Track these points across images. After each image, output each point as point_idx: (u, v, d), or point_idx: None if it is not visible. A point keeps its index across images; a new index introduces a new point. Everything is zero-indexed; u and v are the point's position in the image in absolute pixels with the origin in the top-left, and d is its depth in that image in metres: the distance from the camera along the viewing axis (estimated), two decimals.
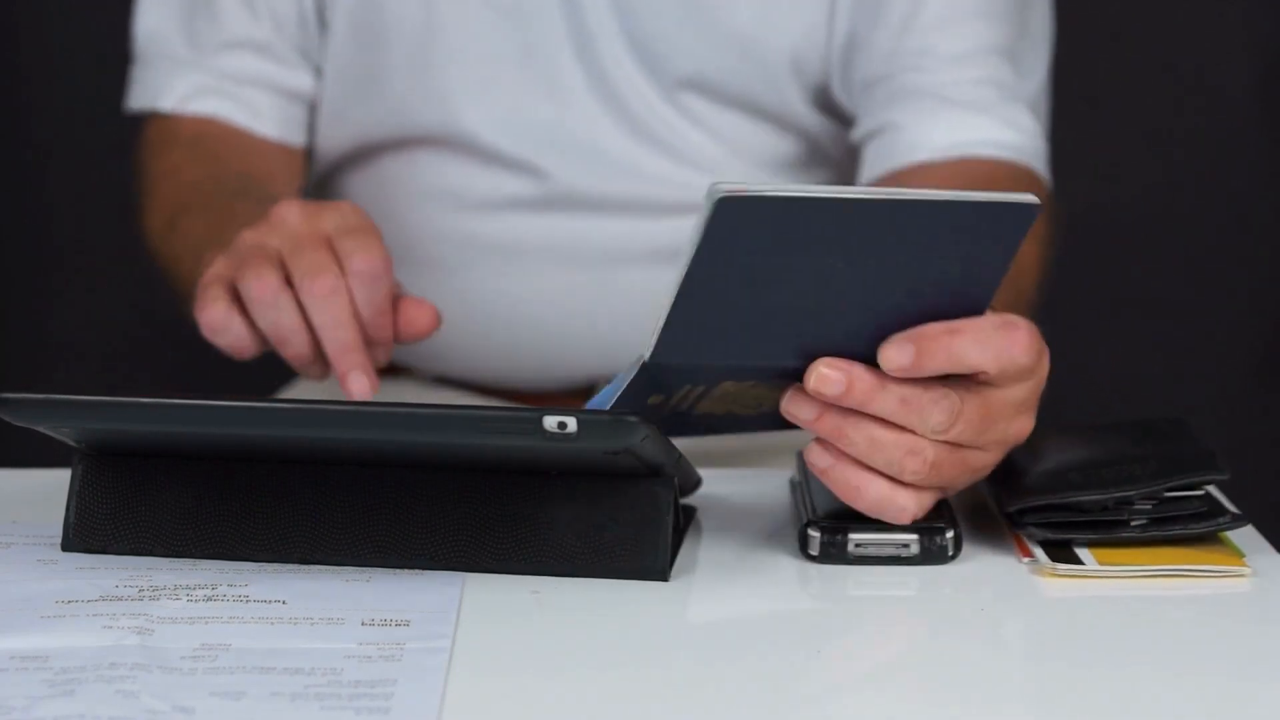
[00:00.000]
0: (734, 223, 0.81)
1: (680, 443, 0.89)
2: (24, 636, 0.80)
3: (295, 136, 1.35)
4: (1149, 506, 0.90)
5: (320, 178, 1.39)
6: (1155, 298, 2.23)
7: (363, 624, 0.81)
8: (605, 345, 1.31)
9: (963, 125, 1.27)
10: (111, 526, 0.90)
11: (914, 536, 0.90)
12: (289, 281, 1.02)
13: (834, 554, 0.90)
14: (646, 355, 0.86)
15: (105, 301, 2.22)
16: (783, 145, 1.33)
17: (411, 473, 0.89)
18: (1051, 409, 0.92)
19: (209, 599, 0.84)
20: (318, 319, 1.02)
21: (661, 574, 0.87)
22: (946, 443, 0.87)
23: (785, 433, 0.92)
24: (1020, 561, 0.90)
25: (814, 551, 0.90)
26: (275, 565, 0.89)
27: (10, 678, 0.75)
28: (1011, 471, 0.93)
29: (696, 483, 0.97)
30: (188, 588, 0.85)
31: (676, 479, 0.89)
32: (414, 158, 1.33)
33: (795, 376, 0.86)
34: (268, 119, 1.33)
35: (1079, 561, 0.89)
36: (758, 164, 1.32)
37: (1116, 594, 0.87)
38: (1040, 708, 0.77)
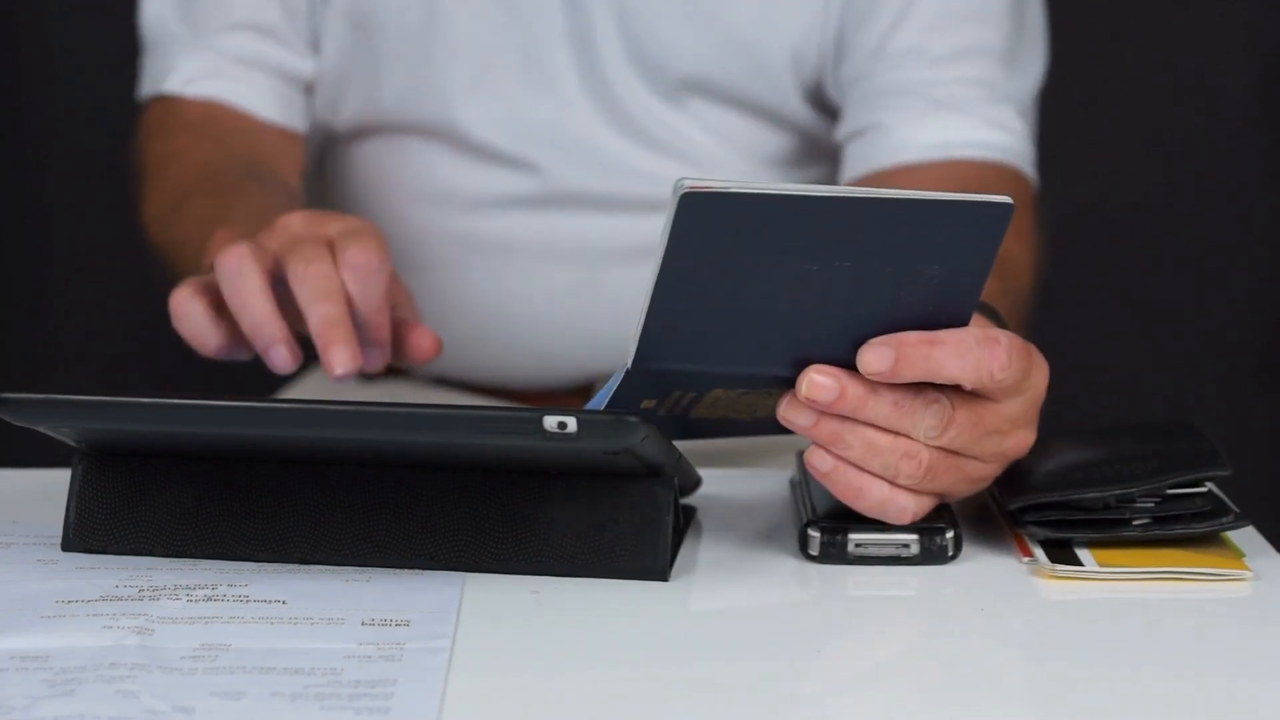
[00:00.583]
0: (701, 219, 0.80)
1: (680, 443, 0.89)
2: (24, 636, 0.80)
3: (296, 121, 1.34)
4: (1151, 505, 0.90)
5: (316, 161, 1.38)
6: (1155, 298, 2.23)
7: (363, 624, 0.81)
8: (602, 344, 1.31)
9: (948, 126, 1.27)
10: (111, 526, 0.90)
11: (914, 536, 0.90)
12: (275, 280, 1.00)
13: (834, 554, 0.90)
14: (629, 361, 0.86)
15: (105, 301, 2.22)
16: (779, 141, 1.33)
17: (411, 473, 0.89)
18: (1051, 409, 0.92)
19: (209, 599, 0.84)
20: (302, 297, 0.99)
21: (661, 574, 0.87)
22: (941, 449, 0.87)
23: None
24: (1020, 562, 0.90)
25: (814, 551, 0.90)
26: (275, 565, 0.89)
27: (10, 678, 0.75)
28: (1014, 470, 0.93)
29: (696, 483, 0.97)
30: (188, 588, 0.85)
31: (676, 479, 0.89)
32: (409, 152, 1.33)
33: (785, 384, 0.86)
34: (270, 103, 1.32)
35: (1078, 563, 0.89)
36: (755, 161, 1.32)
37: (1116, 595, 0.87)
38: (1040, 708, 0.77)
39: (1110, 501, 0.90)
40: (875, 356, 0.84)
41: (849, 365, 0.85)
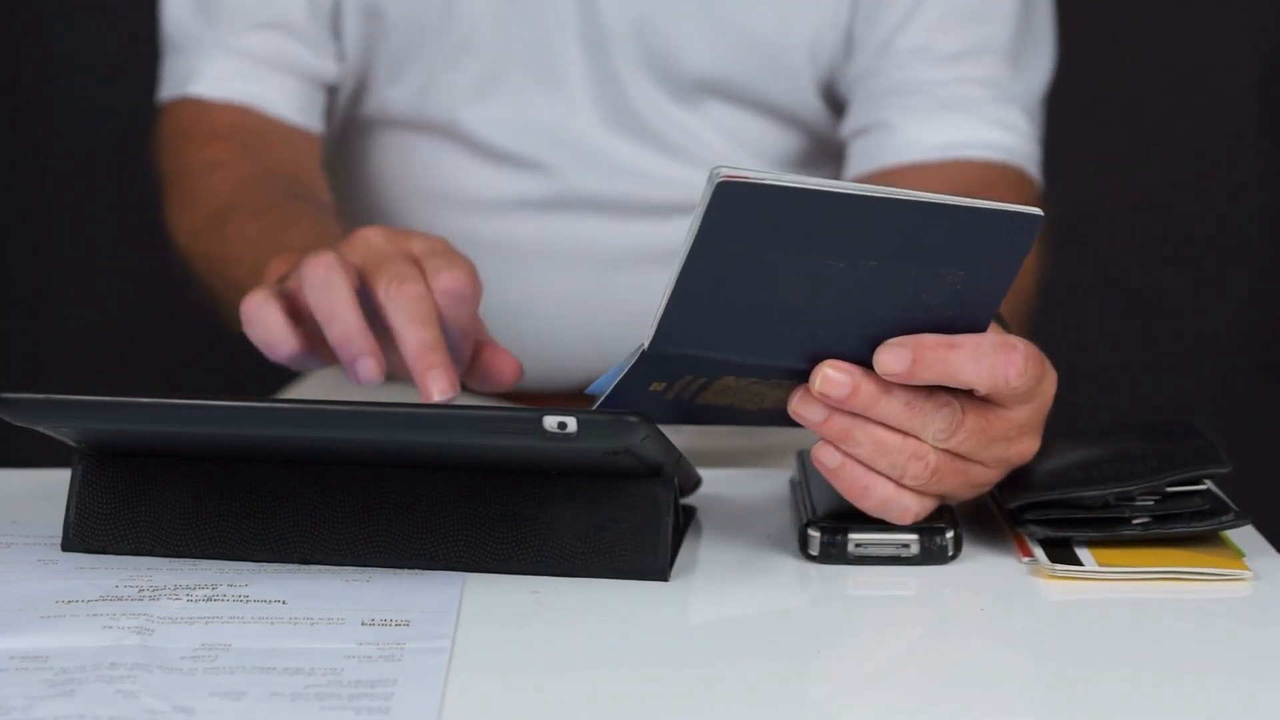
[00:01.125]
0: (734, 209, 0.81)
1: (680, 443, 0.89)
2: (24, 636, 0.80)
3: (315, 123, 1.33)
4: (1150, 503, 0.90)
5: (326, 157, 1.37)
6: (1155, 298, 2.23)
7: (363, 624, 0.81)
8: (609, 347, 1.31)
9: (953, 126, 1.27)
10: (111, 526, 0.90)
11: (914, 537, 0.90)
12: (359, 293, 0.99)
13: (834, 554, 0.90)
14: (646, 343, 0.86)
15: (105, 301, 2.22)
16: (790, 142, 1.33)
17: (411, 473, 0.89)
18: (1051, 408, 0.91)
19: (209, 599, 0.84)
20: (397, 318, 0.97)
21: (661, 574, 0.87)
22: (949, 452, 0.87)
23: (785, 432, 0.92)
24: (1020, 561, 0.90)
25: (814, 551, 0.90)
26: (275, 565, 0.89)
27: (10, 678, 0.75)
28: (1014, 470, 0.92)
29: (696, 483, 0.97)
30: (188, 588, 0.85)
31: (676, 479, 0.89)
32: (417, 151, 1.33)
33: (796, 377, 0.86)
34: (294, 105, 1.31)
35: (1078, 562, 0.89)
36: (764, 162, 1.32)
37: (1116, 595, 0.87)
38: (1040, 708, 0.77)
39: (1109, 500, 0.90)
40: (892, 357, 0.84)
41: (864, 363, 0.85)
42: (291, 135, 1.31)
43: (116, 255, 2.16)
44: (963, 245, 0.83)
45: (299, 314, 1.01)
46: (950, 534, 0.90)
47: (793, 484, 1.00)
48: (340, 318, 0.97)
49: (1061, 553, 0.90)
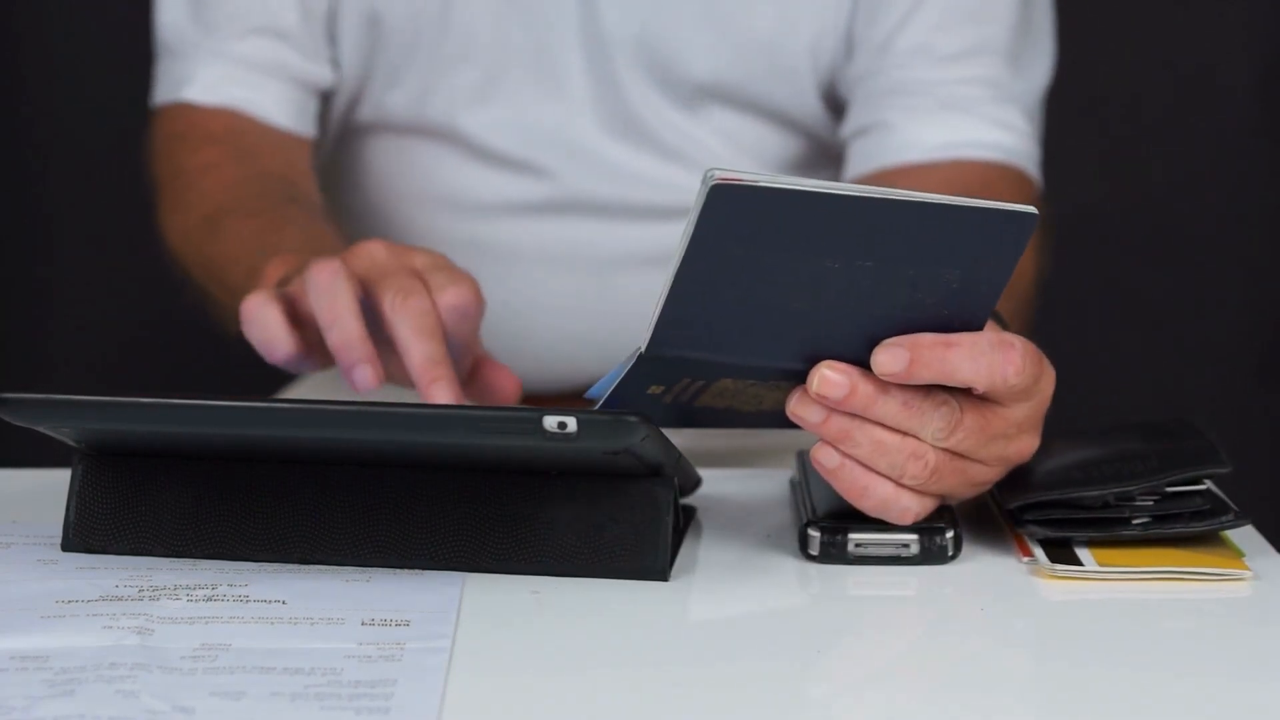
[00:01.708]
0: (728, 211, 0.81)
1: (680, 443, 0.89)
2: (24, 636, 0.80)
3: (308, 128, 1.33)
4: (1150, 503, 0.90)
5: (324, 161, 1.38)
6: (1155, 298, 2.23)
7: (363, 624, 0.81)
8: (609, 349, 1.31)
9: (953, 126, 1.27)
10: (111, 526, 0.90)
11: (914, 536, 0.90)
12: (362, 301, 0.99)
13: (834, 554, 0.90)
14: (643, 346, 0.86)
15: (105, 301, 2.22)
16: (790, 146, 1.33)
17: (411, 473, 0.89)
18: (1051, 408, 0.92)
19: (209, 599, 0.84)
20: (402, 331, 0.98)
21: (661, 574, 0.87)
22: (948, 451, 0.87)
23: (785, 432, 0.92)
24: (1020, 561, 0.90)
25: (814, 551, 0.90)
26: (275, 565, 0.89)
27: (10, 678, 0.75)
28: (1014, 469, 0.93)
29: (696, 483, 0.97)
30: (188, 588, 0.85)
31: (676, 479, 0.89)
32: (417, 154, 1.33)
33: (793, 378, 0.86)
34: (287, 111, 1.31)
35: (1078, 562, 0.89)
36: (763, 165, 1.32)
37: (1116, 595, 0.87)
38: (1040, 708, 0.77)
39: (1109, 500, 0.90)
40: (889, 357, 0.84)
41: (861, 363, 0.85)
42: (284, 140, 1.31)
43: (116, 255, 2.16)
44: (958, 245, 0.83)
45: (298, 317, 1.01)
46: (950, 534, 0.90)
47: (792, 484, 1.00)
48: (342, 323, 0.98)
49: (1061, 553, 0.90)
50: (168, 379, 2.16)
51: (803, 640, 0.83)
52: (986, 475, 0.90)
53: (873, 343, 0.85)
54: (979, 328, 0.86)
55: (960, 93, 1.28)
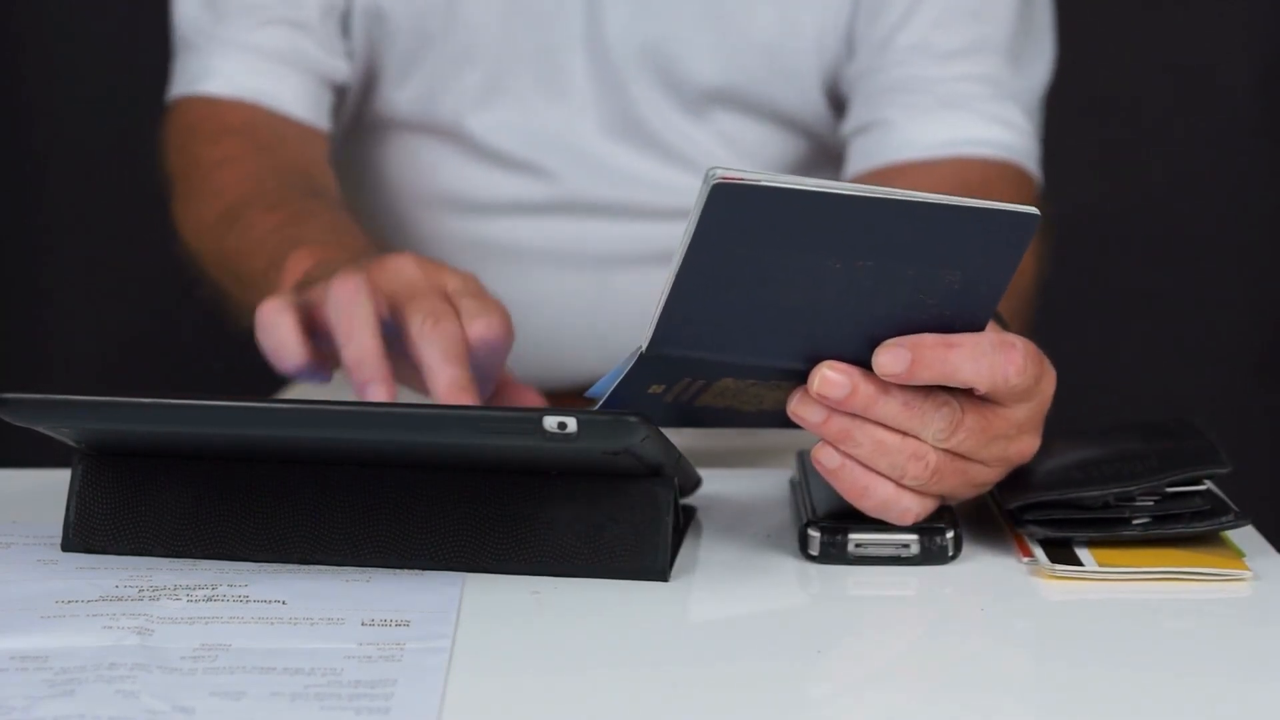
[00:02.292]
0: (730, 210, 0.81)
1: (680, 443, 0.89)
2: (24, 636, 0.80)
3: (324, 121, 1.32)
4: (1150, 503, 0.90)
5: (336, 154, 1.37)
6: (1155, 297, 2.23)
7: (363, 624, 0.81)
8: (610, 349, 1.31)
9: (953, 124, 1.27)
10: (111, 526, 0.90)
11: (914, 537, 0.90)
12: (384, 320, 0.99)
13: (834, 554, 0.90)
14: (644, 345, 0.86)
15: (105, 301, 2.22)
16: (792, 148, 1.33)
17: (411, 473, 0.89)
18: (1051, 408, 0.92)
19: (209, 599, 0.84)
20: (430, 354, 0.98)
21: (661, 574, 0.87)
22: (948, 451, 0.87)
23: (785, 432, 0.92)
24: (1020, 561, 0.90)
25: (814, 551, 0.90)
26: (275, 565, 0.89)
27: (10, 678, 0.75)
28: (1014, 470, 0.92)
29: (696, 483, 0.97)
30: (188, 588, 0.85)
31: (676, 479, 0.89)
32: (421, 153, 1.33)
33: (794, 378, 0.86)
34: (305, 103, 1.31)
35: (1078, 563, 0.89)
36: (768, 167, 1.32)
37: (1116, 595, 0.87)
38: (1040, 708, 0.77)
39: (1109, 500, 0.90)
40: (891, 358, 0.84)
41: (862, 363, 0.85)
42: (302, 133, 1.30)
43: (116, 255, 2.16)
44: (959, 245, 0.83)
45: (312, 327, 1.01)
46: (950, 534, 0.90)
47: (792, 484, 1.00)
48: (359, 340, 0.98)
49: (1061, 553, 0.90)
50: (168, 379, 2.16)
51: (803, 640, 0.83)
52: (987, 476, 0.90)
53: (874, 343, 0.85)
54: (980, 328, 0.86)
55: (960, 90, 1.28)
